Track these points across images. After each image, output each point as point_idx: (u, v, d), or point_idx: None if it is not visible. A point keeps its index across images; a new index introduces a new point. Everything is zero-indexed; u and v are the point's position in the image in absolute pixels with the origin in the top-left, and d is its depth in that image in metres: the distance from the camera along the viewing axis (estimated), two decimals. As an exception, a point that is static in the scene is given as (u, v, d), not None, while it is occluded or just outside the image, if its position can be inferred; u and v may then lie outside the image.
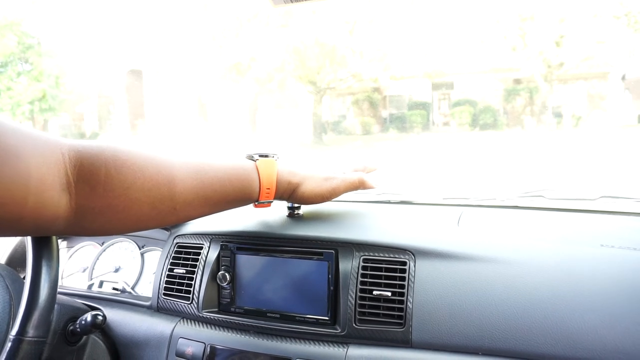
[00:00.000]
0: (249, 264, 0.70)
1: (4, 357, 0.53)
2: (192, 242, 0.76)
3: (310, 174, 0.68)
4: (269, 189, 0.63)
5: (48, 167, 0.43)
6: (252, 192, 0.62)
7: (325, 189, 0.69)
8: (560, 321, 0.53)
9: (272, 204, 0.68)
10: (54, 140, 0.46)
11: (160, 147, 0.55)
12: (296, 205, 0.77)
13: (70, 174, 0.46)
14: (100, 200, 0.48)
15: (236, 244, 0.71)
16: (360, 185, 0.73)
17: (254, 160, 0.64)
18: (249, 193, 0.62)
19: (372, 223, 0.73)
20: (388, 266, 0.63)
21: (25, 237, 0.61)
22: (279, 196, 0.67)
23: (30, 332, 0.55)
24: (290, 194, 0.67)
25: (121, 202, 0.49)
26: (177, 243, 0.77)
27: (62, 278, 0.93)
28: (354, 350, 0.60)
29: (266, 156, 0.65)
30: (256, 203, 0.65)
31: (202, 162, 0.58)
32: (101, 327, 0.70)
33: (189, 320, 0.72)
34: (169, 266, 0.76)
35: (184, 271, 0.74)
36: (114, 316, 0.76)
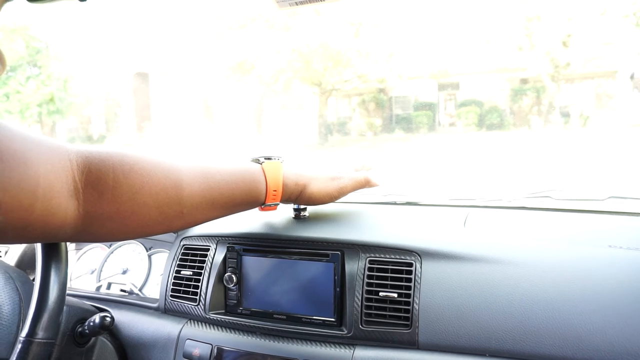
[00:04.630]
0: (255, 265, 0.70)
1: (14, 358, 0.54)
2: (198, 244, 0.76)
3: (316, 174, 0.68)
4: (275, 190, 0.63)
5: (56, 174, 0.43)
6: (259, 195, 0.62)
7: (333, 188, 0.69)
8: (567, 322, 0.52)
9: (277, 207, 0.68)
10: (62, 146, 0.46)
11: (166, 152, 0.55)
12: (302, 207, 0.77)
13: (78, 180, 0.46)
14: (108, 206, 0.48)
15: (242, 245, 0.72)
16: (366, 184, 0.73)
17: (259, 163, 0.64)
18: (256, 196, 0.62)
19: (378, 224, 0.73)
20: (394, 267, 0.63)
21: (34, 240, 0.62)
22: (286, 198, 0.67)
23: (40, 333, 0.56)
24: (297, 195, 0.67)
25: (129, 207, 0.49)
26: (184, 245, 0.78)
27: (70, 280, 0.93)
28: (360, 352, 0.60)
29: (270, 159, 0.66)
30: (263, 206, 0.65)
31: (208, 165, 0.58)
32: (109, 329, 0.70)
33: (196, 322, 0.72)
34: (176, 268, 0.76)
35: (191, 273, 0.74)
36: (122, 318, 0.77)
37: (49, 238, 0.46)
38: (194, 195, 0.55)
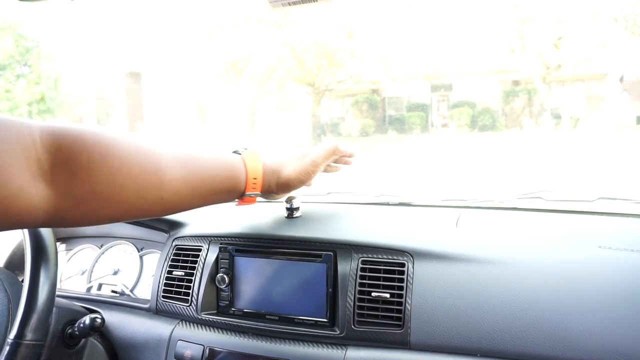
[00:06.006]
0: (247, 266, 0.70)
1: None
2: (190, 244, 0.76)
3: (288, 158, 0.69)
4: (255, 179, 0.63)
5: (11, 154, 0.40)
6: (239, 183, 0.62)
7: (305, 164, 0.69)
8: (558, 322, 0.53)
9: (256, 199, 0.67)
10: (20, 123, 0.42)
11: (145, 135, 0.54)
12: (294, 206, 0.77)
13: (44, 160, 0.43)
14: (82, 186, 0.45)
15: (235, 246, 0.71)
16: (335, 151, 0.73)
17: (239, 153, 0.64)
18: (236, 184, 0.62)
19: (370, 225, 0.73)
20: (386, 268, 0.63)
21: (23, 240, 0.61)
22: (266, 186, 0.66)
23: (29, 335, 0.55)
24: (276, 182, 0.67)
25: (106, 188, 0.47)
26: (176, 245, 0.77)
27: (60, 281, 0.93)
28: (352, 352, 0.60)
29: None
30: (242, 197, 0.64)
31: (190, 151, 0.57)
32: (100, 330, 0.70)
33: (187, 323, 0.71)
34: (167, 268, 0.76)
35: (183, 273, 0.74)
36: (113, 319, 0.76)
37: (18, 225, 0.43)
38: (174, 180, 0.53)
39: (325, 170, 0.77)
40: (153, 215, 0.55)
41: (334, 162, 0.77)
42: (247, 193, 0.63)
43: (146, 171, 0.50)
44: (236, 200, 0.66)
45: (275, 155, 0.69)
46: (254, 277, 0.70)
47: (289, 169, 0.68)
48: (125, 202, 0.50)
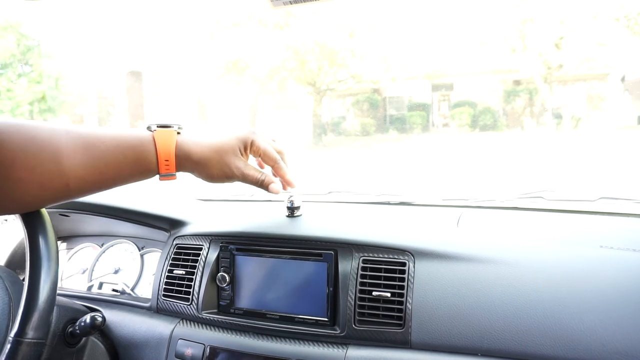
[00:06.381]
0: (248, 265, 0.70)
1: (3, 358, 0.53)
2: (191, 243, 0.76)
3: (210, 154, 0.62)
4: (167, 161, 0.59)
5: None
6: (150, 164, 0.59)
7: (226, 174, 0.63)
8: (559, 322, 0.53)
9: (176, 176, 0.62)
10: None
11: (44, 121, 0.53)
12: (295, 205, 0.77)
13: None
14: None
15: (236, 245, 0.71)
16: (248, 139, 0.66)
17: (151, 131, 0.60)
18: (146, 165, 0.58)
19: (371, 224, 0.73)
20: (387, 267, 0.63)
21: (24, 239, 0.61)
22: (182, 168, 0.62)
23: (30, 333, 0.55)
24: (192, 168, 0.62)
25: (3, 184, 0.48)
26: (177, 244, 0.77)
27: (61, 279, 0.93)
28: (353, 351, 0.60)
29: (168, 127, 0.61)
30: (160, 176, 0.61)
31: (92, 134, 0.55)
32: (100, 329, 0.70)
33: (188, 322, 0.71)
34: (168, 267, 0.76)
35: (184, 272, 0.74)
36: (114, 317, 0.76)
37: None
38: (77, 167, 0.53)
39: (255, 181, 0.66)
40: (63, 201, 0.55)
41: (265, 187, 0.67)
42: (162, 174, 0.60)
43: (43, 162, 0.50)
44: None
45: (199, 136, 0.63)
46: (254, 276, 0.69)
47: (210, 170, 0.62)
48: (28, 194, 0.50)
